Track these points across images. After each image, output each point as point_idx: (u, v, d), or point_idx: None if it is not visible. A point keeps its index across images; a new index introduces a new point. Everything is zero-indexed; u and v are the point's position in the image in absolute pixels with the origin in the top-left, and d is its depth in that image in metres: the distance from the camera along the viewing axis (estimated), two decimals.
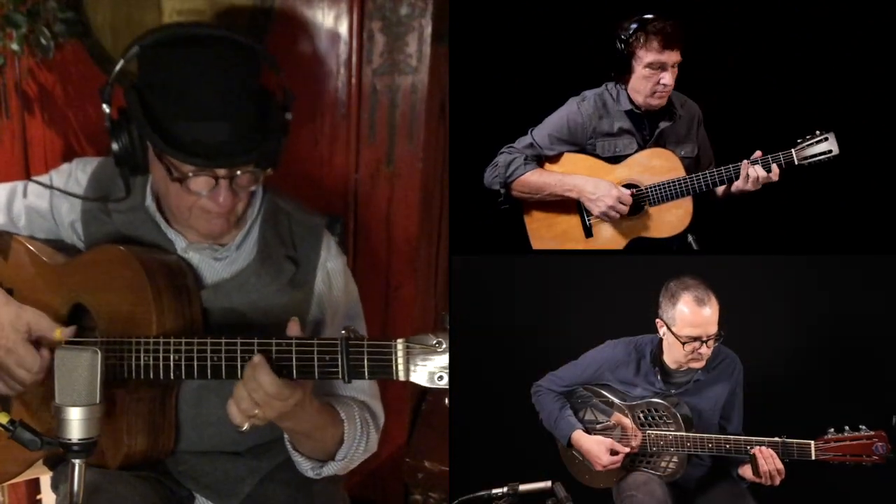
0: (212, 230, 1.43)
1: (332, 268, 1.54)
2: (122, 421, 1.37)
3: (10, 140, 2.03)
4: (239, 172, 1.35)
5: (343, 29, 1.77)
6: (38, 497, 2.04)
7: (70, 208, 1.53)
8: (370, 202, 1.89)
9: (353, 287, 1.60)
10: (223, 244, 1.48)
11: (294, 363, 1.24)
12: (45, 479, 1.97)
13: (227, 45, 1.33)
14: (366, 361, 1.22)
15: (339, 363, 1.22)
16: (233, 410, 1.26)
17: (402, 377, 1.21)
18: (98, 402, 1.15)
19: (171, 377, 1.30)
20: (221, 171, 1.34)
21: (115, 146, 1.36)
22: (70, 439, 1.14)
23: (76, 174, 1.54)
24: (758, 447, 1.56)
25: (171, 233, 1.47)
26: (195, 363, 1.28)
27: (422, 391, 2.24)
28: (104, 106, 1.34)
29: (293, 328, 1.28)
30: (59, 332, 1.36)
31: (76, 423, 1.14)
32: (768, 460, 1.55)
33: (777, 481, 1.55)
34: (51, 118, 2.00)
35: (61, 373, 1.14)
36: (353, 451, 1.45)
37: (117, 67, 1.34)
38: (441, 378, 1.21)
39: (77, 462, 1.14)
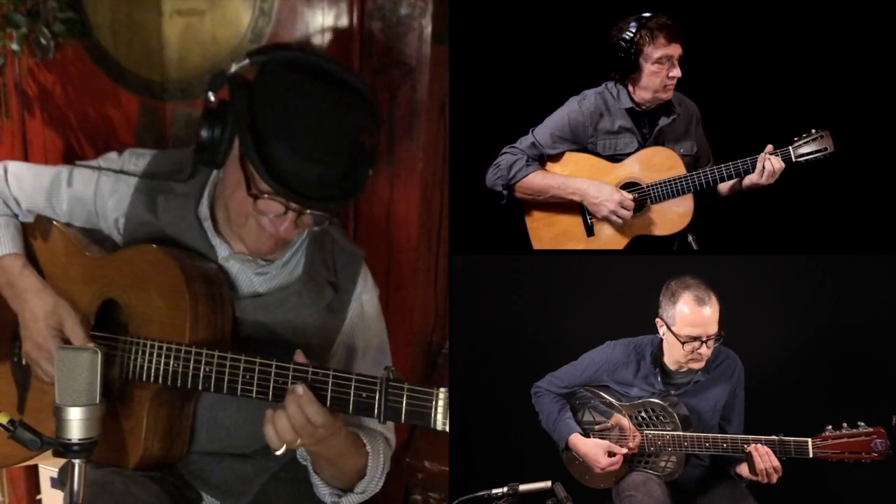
0: (258, 248, 1.43)
1: (366, 300, 1.56)
2: (143, 423, 1.38)
3: (10, 140, 2.03)
4: (308, 212, 1.35)
5: (343, 29, 1.77)
6: (38, 497, 2.05)
7: (116, 205, 1.51)
8: (370, 202, 1.89)
9: (382, 322, 1.62)
10: (269, 260, 1.48)
11: (329, 394, 1.23)
12: (45, 480, 1.98)
13: (348, 91, 1.33)
14: (404, 405, 1.20)
15: (377, 402, 1.20)
16: (270, 434, 1.25)
17: (439, 427, 1.18)
18: (98, 402, 1.15)
19: (199, 388, 1.31)
20: (294, 206, 1.34)
21: (204, 133, 1.32)
22: (70, 439, 1.14)
23: (128, 166, 1.52)
24: (753, 444, 1.55)
25: (215, 240, 1.47)
26: (226, 378, 1.28)
27: None
28: (209, 93, 1.31)
29: (299, 357, 1.27)
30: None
31: (76, 423, 1.14)
32: (764, 458, 1.54)
33: (774, 479, 1.54)
34: (51, 118, 2.00)
35: (61, 373, 1.15)
36: (374, 485, 1.44)
37: (234, 68, 1.32)
38: None
39: (77, 462, 1.15)
